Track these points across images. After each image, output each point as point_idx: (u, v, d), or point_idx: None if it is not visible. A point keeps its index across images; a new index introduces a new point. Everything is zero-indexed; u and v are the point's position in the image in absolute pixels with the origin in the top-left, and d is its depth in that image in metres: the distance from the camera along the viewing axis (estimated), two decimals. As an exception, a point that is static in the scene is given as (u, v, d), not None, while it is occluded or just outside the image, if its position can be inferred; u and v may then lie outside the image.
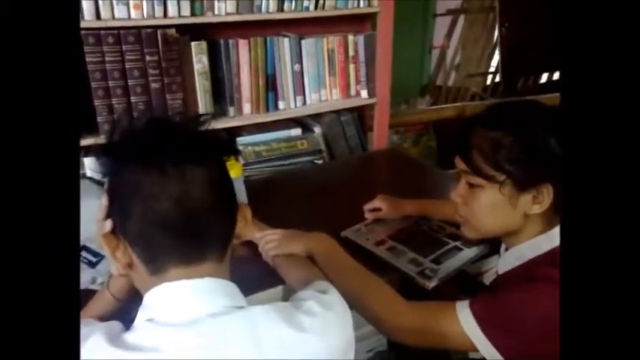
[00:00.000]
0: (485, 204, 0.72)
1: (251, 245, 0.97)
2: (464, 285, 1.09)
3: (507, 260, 0.76)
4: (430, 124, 2.41)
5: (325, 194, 1.30)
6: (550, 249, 0.71)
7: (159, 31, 1.19)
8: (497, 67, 2.87)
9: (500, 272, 0.78)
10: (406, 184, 1.33)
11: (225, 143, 0.60)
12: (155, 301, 0.52)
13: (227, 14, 1.27)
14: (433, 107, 2.74)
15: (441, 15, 3.03)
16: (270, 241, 0.91)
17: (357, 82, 1.54)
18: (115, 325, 0.53)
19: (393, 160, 1.58)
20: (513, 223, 0.73)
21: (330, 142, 1.56)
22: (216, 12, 1.26)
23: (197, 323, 0.49)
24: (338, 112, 1.56)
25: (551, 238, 0.71)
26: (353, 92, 1.55)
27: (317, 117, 1.56)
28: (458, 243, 0.99)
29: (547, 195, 0.69)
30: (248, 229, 0.97)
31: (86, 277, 0.89)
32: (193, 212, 0.52)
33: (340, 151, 1.57)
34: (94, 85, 1.17)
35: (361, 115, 1.65)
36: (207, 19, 1.25)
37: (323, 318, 0.55)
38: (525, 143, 0.68)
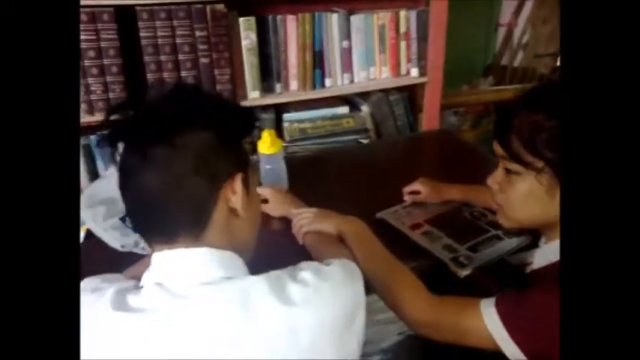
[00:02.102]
0: (522, 192, 0.68)
1: (287, 221, 0.98)
2: (504, 276, 1.05)
3: (544, 255, 0.72)
4: (491, 105, 2.29)
5: (367, 174, 1.28)
6: None
7: (208, 7, 1.21)
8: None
9: (535, 267, 0.73)
10: (453, 169, 1.28)
11: (210, 120, 0.57)
12: (156, 267, 0.55)
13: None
14: (495, 88, 2.61)
15: (510, -9, 2.84)
16: (303, 218, 0.92)
17: (408, 60, 1.49)
18: (128, 284, 0.56)
19: (443, 142, 1.52)
20: (551, 215, 0.68)
21: (378, 121, 1.53)
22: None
23: (186, 292, 0.51)
24: (387, 90, 1.52)
25: None
26: (404, 71, 1.51)
27: (365, 95, 1.53)
28: (499, 232, 0.94)
29: None
30: (281, 205, 1.01)
31: (129, 240, 0.94)
32: (158, 191, 0.53)
33: (388, 131, 1.54)
34: (146, 59, 1.21)
35: (412, 94, 1.60)
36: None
37: (316, 289, 0.53)
38: None
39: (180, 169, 0.53)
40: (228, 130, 0.58)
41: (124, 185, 0.56)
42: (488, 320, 0.63)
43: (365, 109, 1.52)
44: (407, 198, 1.08)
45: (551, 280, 0.66)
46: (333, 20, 1.38)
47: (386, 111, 1.52)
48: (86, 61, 1.17)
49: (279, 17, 1.33)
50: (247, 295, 0.51)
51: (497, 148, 0.70)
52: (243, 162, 0.61)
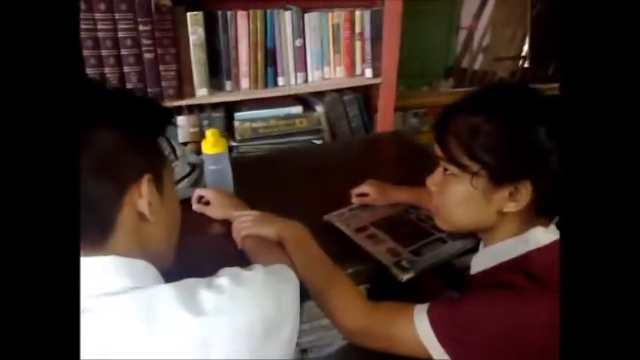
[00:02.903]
0: (457, 195, 0.67)
1: (228, 224, 0.95)
2: (451, 279, 1.05)
3: (480, 260, 0.71)
4: (451, 107, 2.32)
5: (318, 175, 1.26)
6: (523, 253, 0.65)
7: (152, 0, 1.16)
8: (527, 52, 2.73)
9: (472, 272, 0.72)
10: (405, 171, 1.27)
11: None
12: None
13: (225, -16, 1.23)
14: (454, 90, 2.64)
15: (472, -7, 2.88)
16: (243, 221, 0.88)
17: (363, 60, 1.47)
18: None
19: (396, 144, 1.52)
20: (487, 220, 0.67)
21: (332, 122, 1.51)
22: (214, -19, 1.22)
23: (88, 304, 0.47)
24: (341, 91, 1.50)
25: (526, 241, 0.65)
26: (359, 71, 1.49)
27: (320, 95, 1.51)
28: (443, 235, 0.94)
29: (525, 193, 0.63)
30: (222, 208, 0.97)
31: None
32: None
33: (342, 131, 1.52)
34: (85, 52, 1.15)
35: (368, 95, 1.59)
36: (205, -12, 1.22)
37: (231, 295, 0.51)
38: (506, 132, 0.61)
39: (81, 173, 0.49)
40: (135, 129, 0.53)
41: None
42: (419, 326, 0.62)
43: (319, 109, 1.50)
44: (354, 200, 1.07)
45: (485, 286, 0.65)
46: (286, 18, 1.35)
47: (340, 111, 1.50)
48: (18, 54, 1.10)
49: (229, 13, 1.29)
50: (152, 306, 0.47)
51: (437, 150, 0.69)
52: (155, 162, 0.57)
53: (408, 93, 2.07)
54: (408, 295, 0.81)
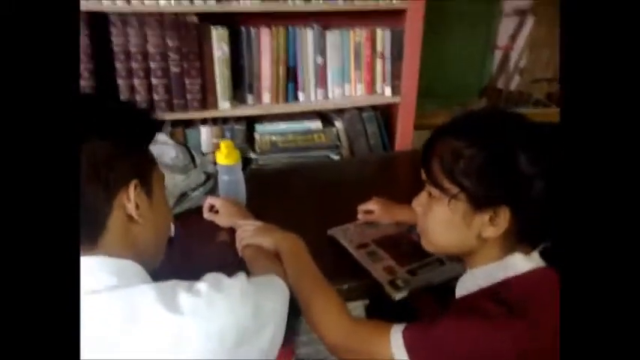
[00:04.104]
0: (439, 217, 0.67)
1: (234, 232, 0.99)
2: (447, 301, 1.04)
3: (463, 285, 0.71)
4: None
5: (331, 190, 1.28)
6: (503, 279, 0.65)
7: (180, 18, 1.23)
8: (565, 74, 2.66)
9: (457, 296, 0.72)
10: (418, 191, 1.28)
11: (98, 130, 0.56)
12: None
13: (252, 3, 1.29)
14: (485, 111, 2.60)
15: (508, 15, 2.85)
16: (245, 230, 0.92)
17: (384, 79, 1.50)
18: None
19: (413, 163, 1.52)
20: (467, 244, 0.67)
21: (351, 138, 1.54)
22: (241, 2, 1.28)
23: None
24: (361, 108, 1.53)
25: (505, 267, 0.65)
26: (379, 89, 1.51)
27: (340, 112, 1.54)
28: (442, 257, 0.94)
29: (503, 218, 0.63)
30: (229, 216, 1.01)
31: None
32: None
33: (360, 148, 1.54)
34: (118, 65, 1.24)
35: (389, 113, 1.61)
36: (231, 7, 1.28)
37: (208, 299, 0.53)
38: (485, 157, 0.62)
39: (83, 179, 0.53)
40: (121, 138, 0.58)
41: None
42: (394, 346, 0.62)
43: (339, 124, 1.52)
44: (360, 217, 1.08)
45: (461, 310, 0.65)
46: (308, 35, 1.40)
47: (359, 128, 1.52)
48: (57, 64, 1.19)
49: (253, 30, 1.35)
50: (133, 302, 0.51)
51: (423, 172, 0.70)
52: (143, 168, 0.61)
53: (433, 112, 2.07)
54: (405, 313, 0.81)
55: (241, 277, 0.61)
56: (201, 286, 0.55)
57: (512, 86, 2.97)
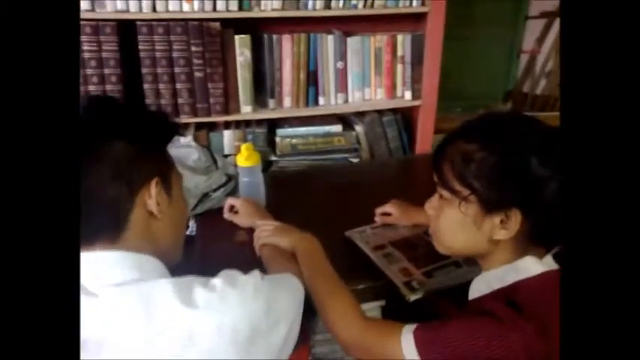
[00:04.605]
0: (450, 220, 0.68)
1: (253, 232, 1.01)
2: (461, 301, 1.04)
3: (476, 287, 0.71)
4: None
5: (349, 193, 1.30)
6: (514, 282, 0.65)
7: (204, 24, 1.27)
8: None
9: (470, 298, 0.72)
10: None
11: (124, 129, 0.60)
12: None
13: (273, 10, 1.32)
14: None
15: (534, 18, 2.81)
16: (263, 230, 0.94)
17: (404, 83, 1.50)
18: None
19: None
20: (479, 246, 0.67)
21: (371, 142, 1.55)
22: (262, 8, 1.31)
23: (98, 291, 0.54)
24: (381, 112, 1.54)
25: (517, 270, 0.65)
26: (399, 93, 1.52)
27: (360, 115, 1.55)
28: (459, 260, 0.94)
29: (514, 221, 0.63)
30: (249, 216, 1.04)
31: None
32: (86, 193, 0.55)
33: (380, 151, 1.55)
34: (144, 70, 1.28)
35: (410, 117, 1.61)
36: (253, 14, 1.31)
37: (221, 294, 0.55)
38: (497, 160, 0.62)
39: (98, 177, 0.57)
40: (143, 139, 0.61)
41: None
42: (405, 346, 0.63)
43: (359, 128, 1.54)
44: (377, 219, 1.09)
45: (473, 312, 0.65)
46: (329, 41, 1.42)
47: (379, 132, 1.53)
48: (88, 70, 1.25)
49: (274, 36, 1.37)
50: (151, 295, 0.53)
51: (434, 175, 0.71)
52: (163, 167, 0.64)
53: (456, 116, 2.05)
54: (421, 315, 0.82)
55: (255, 274, 0.62)
56: (216, 281, 0.57)
57: (538, 90, 2.92)
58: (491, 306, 0.61)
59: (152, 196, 0.61)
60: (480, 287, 0.70)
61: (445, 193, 0.68)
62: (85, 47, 1.23)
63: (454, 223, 0.67)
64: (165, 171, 0.65)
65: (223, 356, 0.54)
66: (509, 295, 0.62)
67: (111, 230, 0.58)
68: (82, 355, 0.52)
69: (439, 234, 0.72)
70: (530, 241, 0.65)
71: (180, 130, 0.71)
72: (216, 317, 0.53)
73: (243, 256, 0.96)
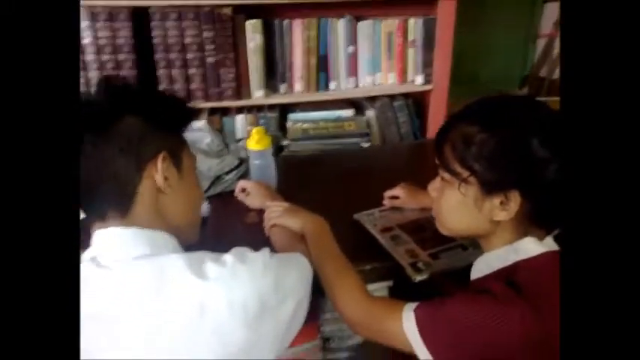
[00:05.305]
0: (450, 201, 0.69)
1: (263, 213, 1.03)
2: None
3: (478, 267, 0.72)
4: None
5: (359, 176, 1.31)
6: (513, 262, 0.66)
7: (215, 10, 1.28)
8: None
9: (472, 278, 0.73)
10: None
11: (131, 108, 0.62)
12: (93, 244, 0.61)
13: (283, -6, 1.33)
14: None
15: (551, 0, 2.75)
16: (273, 211, 0.96)
17: (416, 67, 1.50)
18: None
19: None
20: (480, 227, 0.68)
21: (382, 126, 1.55)
22: (273, -8, 1.32)
23: (111, 265, 0.57)
24: (393, 96, 1.54)
25: (517, 251, 0.66)
26: (411, 78, 1.52)
27: (372, 100, 1.55)
28: (464, 241, 0.95)
29: (514, 202, 0.64)
30: (259, 198, 1.06)
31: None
32: (90, 174, 0.58)
33: (391, 136, 1.56)
34: (157, 56, 1.31)
35: (422, 102, 1.61)
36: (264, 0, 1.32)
37: (232, 269, 0.57)
38: (496, 142, 0.63)
39: (108, 152, 0.59)
40: (153, 116, 0.63)
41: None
42: (405, 323, 0.65)
43: (370, 113, 1.54)
44: (386, 202, 1.11)
45: (473, 290, 0.67)
46: (339, 26, 1.42)
47: (390, 116, 1.53)
48: (103, 56, 1.28)
49: (285, 21, 1.38)
50: (164, 268, 0.56)
51: (436, 157, 0.72)
52: (172, 144, 0.66)
53: (468, 100, 2.04)
54: (427, 296, 0.84)
55: (265, 251, 0.64)
56: (227, 257, 0.59)
57: (556, 75, 2.87)
58: (489, 284, 0.63)
59: (158, 170, 0.62)
60: (481, 267, 0.71)
61: (446, 175, 0.69)
62: (101, 34, 1.26)
63: (455, 204, 0.69)
64: (175, 147, 0.66)
65: (233, 330, 0.56)
66: (509, 275, 0.63)
67: (120, 204, 0.61)
68: (96, 326, 0.55)
69: (440, 215, 0.73)
70: (530, 222, 0.65)
71: (195, 115, 0.72)
72: (226, 291, 0.55)
73: (254, 236, 0.99)
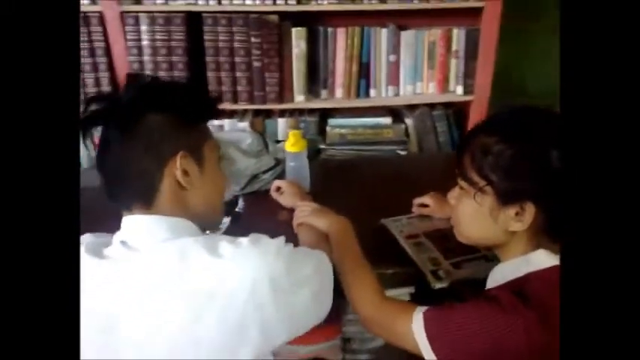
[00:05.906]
0: (467, 210, 0.71)
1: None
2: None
3: (494, 277, 0.73)
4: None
5: (393, 184, 1.32)
6: (525, 273, 0.66)
7: (263, 17, 1.35)
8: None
9: (487, 287, 0.75)
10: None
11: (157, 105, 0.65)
12: (123, 228, 0.67)
13: (329, 3, 1.37)
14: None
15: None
16: (302, 211, 1.01)
17: (457, 77, 1.50)
18: (105, 237, 0.68)
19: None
20: (495, 237, 0.70)
21: (420, 135, 1.56)
22: (319, 2, 1.37)
23: (139, 247, 0.62)
24: (433, 105, 1.55)
25: (529, 262, 0.67)
26: (452, 88, 1.52)
27: (411, 109, 1.57)
28: (488, 253, 0.95)
29: (528, 213, 0.65)
30: (291, 197, 1.11)
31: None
32: (116, 168, 0.63)
33: (429, 145, 1.57)
34: (208, 59, 1.39)
35: (462, 112, 1.61)
36: (310, 7, 1.37)
37: (246, 249, 0.60)
38: (513, 153, 0.64)
39: (133, 149, 0.64)
40: (175, 113, 0.66)
41: (98, 163, 0.67)
42: (414, 324, 0.67)
43: (409, 121, 1.56)
44: (415, 209, 1.12)
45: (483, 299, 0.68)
46: (383, 35, 1.45)
47: (429, 125, 1.55)
48: (159, 58, 1.38)
49: (329, 29, 1.43)
50: (185, 249, 0.61)
51: (456, 166, 0.73)
52: (193, 140, 0.68)
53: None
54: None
55: (280, 238, 0.67)
56: (243, 239, 0.63)
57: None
58: (499, 294, 0.64)
59: (178, 167, 0.65)
60: (496, 277, 0.72)
61: (464, 184, 0.71)
62: (157, 36, 1.36)
63: (471, 213, 0.70)
64: (197, 142, 0.68)
65: (244, 308, 0.58)
66: (520, 286, 0.65)
67: (145, 197, 0.65)
68: (129, 300, 0.61)
69: (458, 223, 0.75)
70: (544, 235, 0.66)
71: (218, 105, 0.75)
72: (239, 269, 0.59)
73: (284, 233, 1.03)
